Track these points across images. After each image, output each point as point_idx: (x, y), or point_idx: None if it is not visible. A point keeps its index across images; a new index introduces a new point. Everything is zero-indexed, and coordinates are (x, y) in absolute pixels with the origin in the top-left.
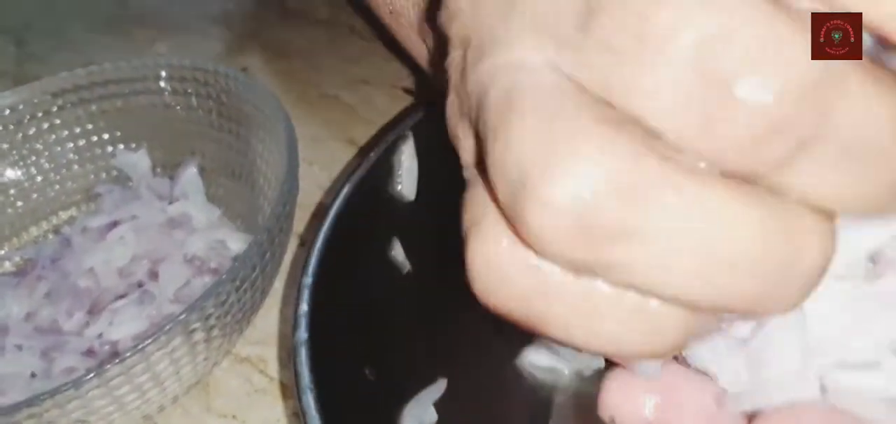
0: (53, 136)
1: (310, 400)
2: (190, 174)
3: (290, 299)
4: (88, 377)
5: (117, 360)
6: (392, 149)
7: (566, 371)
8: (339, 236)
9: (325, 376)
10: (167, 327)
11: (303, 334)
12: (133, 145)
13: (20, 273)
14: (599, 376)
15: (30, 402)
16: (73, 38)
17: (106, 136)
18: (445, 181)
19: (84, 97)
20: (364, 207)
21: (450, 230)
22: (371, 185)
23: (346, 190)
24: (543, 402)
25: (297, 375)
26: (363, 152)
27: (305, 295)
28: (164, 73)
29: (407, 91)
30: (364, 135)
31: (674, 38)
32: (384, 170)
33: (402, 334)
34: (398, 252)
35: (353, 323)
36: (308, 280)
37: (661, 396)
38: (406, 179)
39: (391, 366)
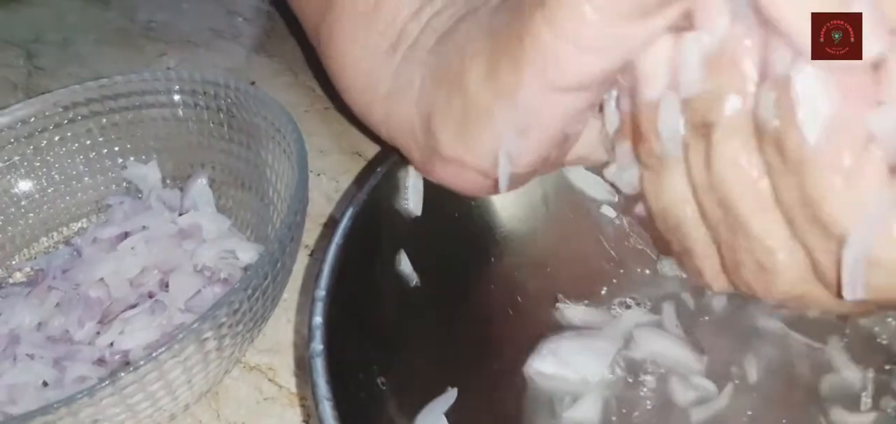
0: (64, 149)
1: (327, 409)
2: (200, 185)
3: (300, 308)
4: (102, 385)
5: (131, 368)
6: (398, 166)
7: (571, 378)
8: (350, 250)
9: (341, 386)
10: (180, 336)
11: (318, 346)
12: (144, 157)
13: (31, 282)
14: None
15: (44, 410)
16: (82, 52)
17: (116, 149)
18: (450, 196)
19: (95, 110)
20: (372, 221)
21: (455, 244)
22: (378, 200)
23: (354, 205)
24: (549, 408)
25: (313, 386)
26: (370, 164)
27: (319, 307)
28: (176, 87)
29: None
30: (370, 147)
31: None
32: (391, 186)
33: (413, 345)
34: (406, 265)
35: (365, 335)
36: (321, 293)
37: None
38: (412, 196)
39: (403, 377)
